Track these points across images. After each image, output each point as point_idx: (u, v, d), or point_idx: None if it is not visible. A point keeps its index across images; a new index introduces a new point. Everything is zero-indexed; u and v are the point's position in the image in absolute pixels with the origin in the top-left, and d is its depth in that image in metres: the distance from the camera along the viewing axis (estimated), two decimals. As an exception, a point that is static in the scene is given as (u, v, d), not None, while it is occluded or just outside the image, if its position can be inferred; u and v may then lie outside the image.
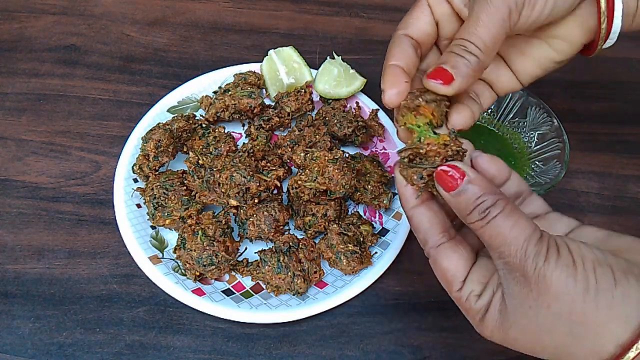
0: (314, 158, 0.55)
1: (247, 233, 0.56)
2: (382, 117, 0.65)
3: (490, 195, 0.34)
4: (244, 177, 0.54)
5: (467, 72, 0.39)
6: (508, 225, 0.33)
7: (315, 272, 0.53)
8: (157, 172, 0.58)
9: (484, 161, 0.40)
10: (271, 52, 0.69)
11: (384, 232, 0.58)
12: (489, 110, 0.64)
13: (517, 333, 0.35)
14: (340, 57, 0.68)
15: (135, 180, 0.60)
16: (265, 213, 0.55)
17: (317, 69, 0.68)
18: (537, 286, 0.33)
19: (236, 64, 0.69)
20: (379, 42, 0.78)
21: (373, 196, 0.58)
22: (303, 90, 0.66)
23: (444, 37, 0.46)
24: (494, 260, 0.36)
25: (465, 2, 0.44)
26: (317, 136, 0.61)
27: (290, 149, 0.60)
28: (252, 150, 0.59)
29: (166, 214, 0.55)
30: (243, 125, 0.67)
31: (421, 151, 0.37)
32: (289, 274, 0.52)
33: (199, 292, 0.52)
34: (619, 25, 0.43)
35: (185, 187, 0.57)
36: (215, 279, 0.54)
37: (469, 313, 0.38)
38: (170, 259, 0.55)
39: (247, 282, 0.55)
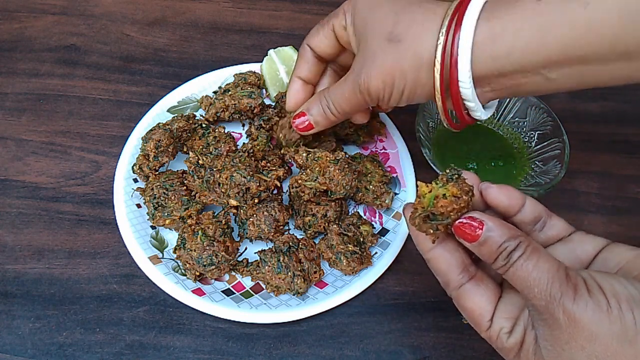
0: (316, 158, 0.55)
1: (247, 233, 0.56)
2: (383, 116, 0.66)
3: (512, 240, 0.33)
4: (244, 177, 0.54)
5: (323, 123, 0.52)
6: (530, 267, 0.32)
7: (315, 272, 0.53)
8: (157, 172, 0.58)
9: (494, 192, 0.39)
10: (271, 51, 0.69)
11: (384, 232, 0.58)
12: (489, 110, 0.64)
13: None
14: (340, 57, 0.68)
15: (135, 180, 0.60)
16: (265, 213, 0.55)
17: (317, 69, 0.68)
18: (568, 329, 0.31)
19: (236, 64, 0.69)
20: (379, 42, 0.78)
21: (375, 196, 0.58)
22: (303, 90, 0.66)
23: (337, 62, 0.54)
24: (525, 302, 0.35)
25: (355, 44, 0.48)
26: (322, 136, 0.61)
27: (292, 149, 0.60)
28: (252, 150, 0.59)
29: (166, 214, 0.55)
30: (243, 125, 0.67)
31: (435, 212, 0.36)
32: (289, 274, 0.52)
33: (199, 292, 0.52)
34: (469, 82, 0.42)
35: (185, 187, 0.57)
36: (215, 279, 0.54)
37: (502, 352, 0.37)
38: (170, 259, 0.55)
39: (247, 282, 0.55)
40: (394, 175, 0.62)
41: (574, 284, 0.32)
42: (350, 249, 0.54)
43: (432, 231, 0.37)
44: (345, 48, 0.51)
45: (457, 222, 0.35)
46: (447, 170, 0.37)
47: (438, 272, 0.39)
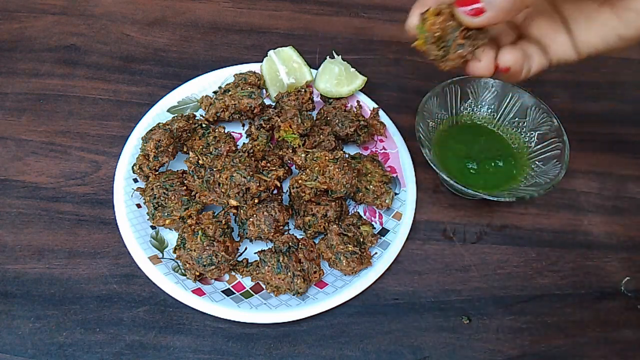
0: (315, 158, 0.55)
1: (247, 233, 0.56)
2: (383, 116, 0.66)
3: None
4: (244, 177, 0.54)
5: (500, 3, 0.38)
6: None
7: (315, 272, 0.53)
8: (157, 172, 0.58)
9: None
10: (271, 52, 0.69)
11: (384, 232, 0.58)
12: (489, 110, 0.64)
13: None
14: (340, 56, 0.68)
15: (135, 180, 0.60)
16: (265, 213, 0.55)
17: (317, 68, 0.68)
18: None
19: (236, 64, 0.69)
20: (379, 42, 0.78)
21: (375, 196, 0.58)
22: (303, 90, 0.66)
23: None
24: None
25: None
26: (321, 136, 0.61)
27: (291, 150, 0.60)
28: (252, 151, 0.59)
29: (166, 214, 0.55)
30: (243, 125, 0.67)
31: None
32: (289, 274, 0.52)
33: (199, 292, 0.52)
34: None
35: (185, 187, 0.57)
36: (215, 279, 0.54)
37: None
38: (170, 259, 0.55)
39: (247, 282, 0.55)
40: (394, 175, 0.62)
41: None
42: (350, 249, 0.54)
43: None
44: None
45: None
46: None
47: None
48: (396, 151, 0.63)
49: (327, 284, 0.54)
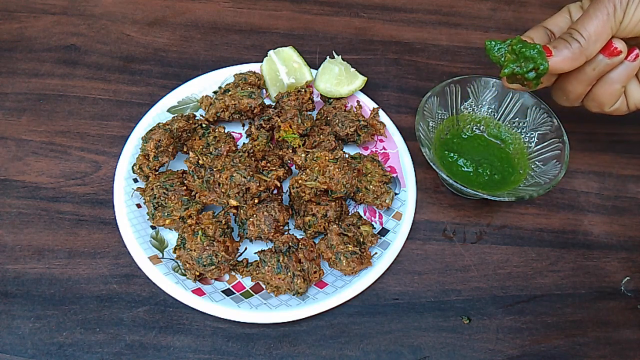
0: (315, 158, 0.55)
1: (247, 233, 0.56)
2: (383, 115, 0.66)
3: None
4: (244, 177, 0.54)
5: (566, 54, 0.48)
6: None
7: (315, 272, 0.53)
8: (157, 172, 0.58)
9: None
10: (271, 52, 0.69)
11: (384, 232, 0.58)
12: (490, 110, 0.64)
13: None
14: (340, 56, 0.68)
15: (135, 180, 0.60)
16: (265, 213, 0.55)
17: (317, 68, 0.68)
18: None
19: (236, 64, 0.69)
20: (379, 42, 0.78)
21: (375, 196, 0.58)
22: (303, 90, 0.66)
23: None
24: None
25: None
26: (321, 136, 0.61)
27: (291, 150, 0.60)
28: (252, 151, 0.59)
29: (166, 214, 0.55)
30: (243, 125, 0.67)
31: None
32: (289, 274, 0.52)
33: (199, 292, 0.52)
34: None
35: (185, 187, 0.57)
36: (215, 279, 0.54)
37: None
38: (170, 259, 0.55)
39: (247, 282, 0.55)
40: (394, 175, 0.62)
41: None
42: (350, 249, 0.54)
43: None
44: None
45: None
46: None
47: None
48: (396, 151, 0.63)
49: (327, 284, 0.54)
